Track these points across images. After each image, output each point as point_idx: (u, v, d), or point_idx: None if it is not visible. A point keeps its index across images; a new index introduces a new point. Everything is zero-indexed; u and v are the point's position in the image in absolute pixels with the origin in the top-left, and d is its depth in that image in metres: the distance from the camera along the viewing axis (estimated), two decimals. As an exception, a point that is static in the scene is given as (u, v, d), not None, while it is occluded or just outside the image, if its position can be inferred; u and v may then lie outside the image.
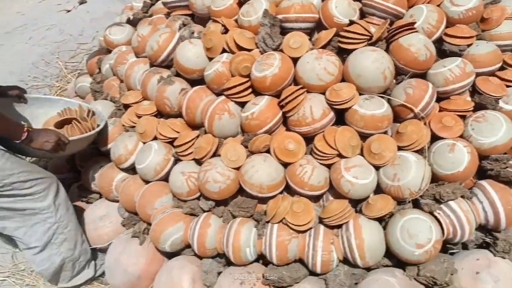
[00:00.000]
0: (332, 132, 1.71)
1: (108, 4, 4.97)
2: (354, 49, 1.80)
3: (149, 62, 2.29)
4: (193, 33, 2.22)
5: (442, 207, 1.61)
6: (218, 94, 2.00)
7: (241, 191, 1.83)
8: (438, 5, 1.93)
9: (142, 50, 2.31)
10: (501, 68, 1.86)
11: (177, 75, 2.16)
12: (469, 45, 1.85)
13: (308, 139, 1.80)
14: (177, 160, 2.02)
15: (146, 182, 2.06)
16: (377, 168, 1.70)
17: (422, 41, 1.77)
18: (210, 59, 2.04)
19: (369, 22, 1.89)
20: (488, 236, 1.71)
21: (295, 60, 1.84)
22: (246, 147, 1.82)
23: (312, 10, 1.92)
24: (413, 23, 1.82)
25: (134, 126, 2.19)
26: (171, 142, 2.05)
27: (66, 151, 1.92)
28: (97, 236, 2.14)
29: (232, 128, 1.91)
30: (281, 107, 1.80)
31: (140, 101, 2.23)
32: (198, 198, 1.93)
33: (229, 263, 1.86)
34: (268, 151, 1.80)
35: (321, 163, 1.73)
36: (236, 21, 2.10)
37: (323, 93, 1.79)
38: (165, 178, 2.03)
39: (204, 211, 1.89)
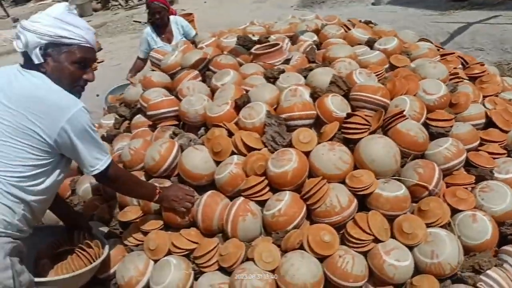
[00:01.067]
0: (363, 218, 1.74)
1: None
2: (359, 138, 1.95)
3: (144, 175, 2.21)
4: (191, 140, 2.22)
5: (482, 278, 1.65)
6: (231, 197, 1.97)
7: (277, 295, 1.72)
8: (414, 95, 2.20)
9: (136, 163, 2.24)
10: (480, 144, 2.11)
11: (181, 183, 2.10)
12: (451, 126, 2.09)
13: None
14: (196, 274, 1.86)
15: (162, 305, 1.84)
16: (410, 248, 1.72)
17: (416, 125, 1.97)
18: (217, 163, 2.04)
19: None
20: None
21: (306, 154, 1.92)
22: (277, 246, 1.76)
23: (312, 107, 2.07)
24: (403, 111, 2.03)
25: (139, 245, 2.01)
26: (186, 254, 1.90)
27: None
28: None
29: (256, 229, 1.85)
30: (305, 200, 1.81)
31: (141, 217, 2.09)
32: (229, 312, 1.75)
33: None
34: (300, 248, 1.75)
35: (357, 251, 1.72)
36: (235, 124, 2.17)
37: (340, 182, 1.86)
38: (184, 296, 1.84)
39: (240, 326, 1.71)
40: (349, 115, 2.02)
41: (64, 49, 1.48)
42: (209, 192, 1.96)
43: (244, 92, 2.38)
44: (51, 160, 1.49)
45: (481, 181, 1.91)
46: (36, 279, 1.48)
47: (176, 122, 2.49)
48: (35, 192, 1.47)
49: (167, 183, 2.11)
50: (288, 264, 1.66)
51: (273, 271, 1.70)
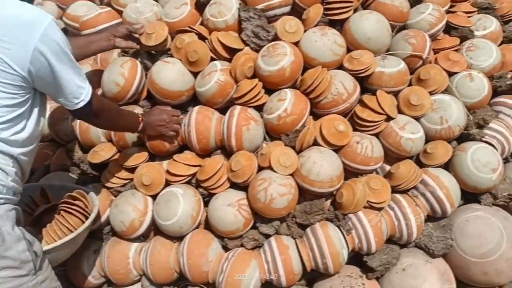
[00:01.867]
0: (372, 99, 1.65)
1: None
2: (345, 19, 1.79)
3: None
4: (152, 53, 1.88)
5: (486, 132, 1.72)
6: (220, 108, 1.75)
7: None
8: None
9: (91, 94, 1.85)
10: (450, 6, 2.08)
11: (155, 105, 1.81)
12: (423, -9, 2.01)
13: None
14: (204, 198, 1.70)
15: (176, 239, 1.67)
16: (416, 119, 1.71)
17: (398, -5, 1.85)
18: (195, 74, 1.76)
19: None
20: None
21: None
22: (292, 147, 1.63)
23: (289, -8, 1.82)
24: (379, -17, 1.88)
25: (126, 184, 1.75)
26: (187, 181, 1.70)
27: (68, 253, 1.45)
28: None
29: (260, 136, 1.69)
30: (307, 94, 1.66)
31: (117, 153, 1.79)
32: (252, 227, 1.65)
33: (310, 281, 1.66)
34: (313, 144, 1.65)
35: (370, 134, 1.66)
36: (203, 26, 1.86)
37: (337, 68, 1.73)
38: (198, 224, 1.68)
39: (269, 236, 1.63)
40: (328, -5, 1.83)
41: None
42: (196, 108, 1.71)
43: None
44: (26, 96, 1.12)
45: (464, 41, 1.91)
46: (44, 247, 1.20)
47: (120, 39, 2.08)
48: (20, 142, 1.13)
49: (138, 109, 1.81)
50: (309, 163, 1.55)
51: (291, 174, 1.59)
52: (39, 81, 1.11)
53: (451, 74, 1.80)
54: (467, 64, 1.82)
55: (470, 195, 1.71)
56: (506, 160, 1.80)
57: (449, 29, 1.97)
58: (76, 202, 1.51)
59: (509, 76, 1.84)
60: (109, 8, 2.05)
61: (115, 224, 1.67)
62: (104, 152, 1.77)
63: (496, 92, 1.85)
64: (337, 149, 1.64)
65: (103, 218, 1.73)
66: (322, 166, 1.54)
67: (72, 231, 1.43)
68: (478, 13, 2.07)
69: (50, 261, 1.21)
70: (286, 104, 1.61)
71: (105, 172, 1.79)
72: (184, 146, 1.77)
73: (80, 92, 1.18)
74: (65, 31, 2.22)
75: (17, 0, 1.07)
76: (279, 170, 1.56)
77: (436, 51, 1.89)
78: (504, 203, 1.68)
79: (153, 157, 1.79)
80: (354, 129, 1.69)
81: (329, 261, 1.52)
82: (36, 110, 1.17)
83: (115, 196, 1.76)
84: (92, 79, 1.82)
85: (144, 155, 1.74)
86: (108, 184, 1.76)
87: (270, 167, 1.58)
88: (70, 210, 1.48)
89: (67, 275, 1.77)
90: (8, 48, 1.02)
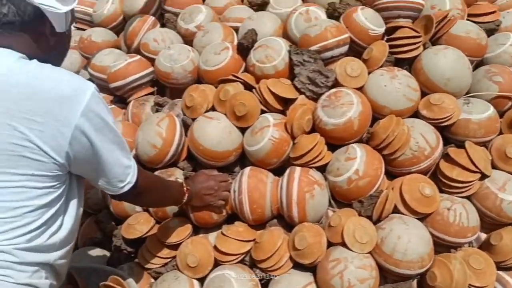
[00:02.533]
0: (461, 154, 1.37)
1: None
2: (415, 57, 1.53)
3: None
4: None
5: None
6: (273, 170, 1.49)
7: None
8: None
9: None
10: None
11: (195, 169, 1.57)
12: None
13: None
14: (261, 280, 1.41)
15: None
16: (513, 174, 1.41)
17: (474, 26, 1.59)
18: (243, 129, 1.51)
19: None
20: None
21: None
22: (367, 217, 1.35)
23: (345, 29, 1.57)
24: (448, 13, 1.62)
25: (167, 263, 1.48)
26: (241, 259, 1.43)
27: None
28: None
29: (326, 203, 1.41)
30: (381, 150, 1.38)
31: (154, 226, 1.54)
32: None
33: None
34: (393, 211, 1.36)
35: (461, 197, 1.37)
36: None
37: (412, 116, 1.46)
38: (254, 312, 1.39)
39: (346, 329, 1.32)
40: (390, 30, 1.58)
41: None
42: (247, 171, 1.44)
43: (233, 30, 1.81)
44: (62, 187, 0.90)
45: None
46: None
47: (152, 89, 1.87)
48: (58, 244, 0.90)
49: (178, 172, 1.56)
50: (393, 238, 1.26)
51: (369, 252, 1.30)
52: (77, 164, 0.88)
53: (548, 115, 1.50)
54: None
55: None
56: None
57: (532, 60, 1.68)
58: (116, 288, 1.25)
59: None
60: (139, 57, 1.84)
61: (156, 317, 1.39)
62: (140, 225, 1.51)
63: None
64: (421, 217, 1.35)
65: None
66: (410, 242, 1.24)
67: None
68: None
69: None
70: (357, 164, 1.34)
71: (143, 249, 1.52)
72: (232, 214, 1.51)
73: (126, 173, 0.95)
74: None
75: (47, 65, 0.84)
76: (355, 248, 1.27)
77: (523, 88, 1.60)
78: None
79: (197, 228, 1.53)
80: (440, 191, 1.39)
81: None
82: (73, 202, 0.94)
83: (155, 278, 1.49)
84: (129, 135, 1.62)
85: (188, 228, 1.48)
86: (147, 265, 1.49)
87: (343, 244, 1.29)
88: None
89: None
90: (42, 129, 0.79)
